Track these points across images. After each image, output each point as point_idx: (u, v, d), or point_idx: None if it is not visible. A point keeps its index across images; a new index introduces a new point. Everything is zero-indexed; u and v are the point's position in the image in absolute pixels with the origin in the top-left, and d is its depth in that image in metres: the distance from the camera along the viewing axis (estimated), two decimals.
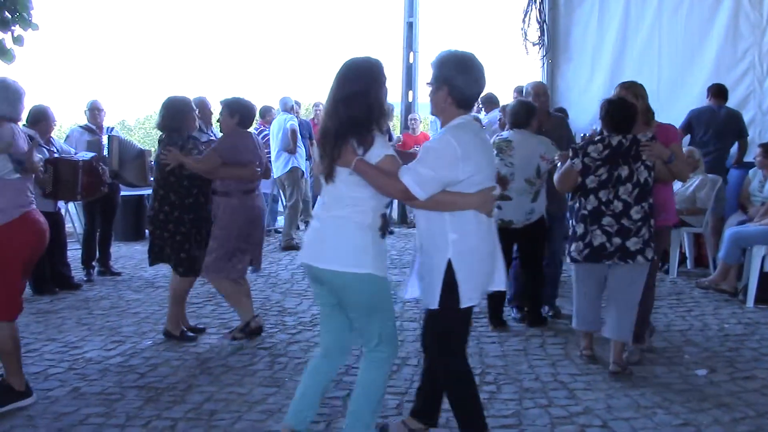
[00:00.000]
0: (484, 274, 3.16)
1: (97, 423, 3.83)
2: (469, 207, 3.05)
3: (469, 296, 3.10)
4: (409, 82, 11.86)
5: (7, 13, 4.92)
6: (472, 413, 3.27)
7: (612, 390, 4.23)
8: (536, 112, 5.45)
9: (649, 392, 4.20)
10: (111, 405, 4.08)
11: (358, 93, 3.05)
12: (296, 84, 66.83)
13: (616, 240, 4.30)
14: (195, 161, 5.01)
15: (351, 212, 3.08)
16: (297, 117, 10.36)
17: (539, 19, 10.47)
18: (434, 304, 3.13)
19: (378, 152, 3.03)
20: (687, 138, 7.74)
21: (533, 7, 10.48)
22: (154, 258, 5.26)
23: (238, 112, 5.16)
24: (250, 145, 5.22)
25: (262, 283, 7.07)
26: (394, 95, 12.19)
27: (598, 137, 4.40)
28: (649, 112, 4.72)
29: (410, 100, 11.91)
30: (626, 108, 4.39)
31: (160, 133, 5.33)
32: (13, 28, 4.96)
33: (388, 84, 3.17)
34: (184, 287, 5.33)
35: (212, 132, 7.97)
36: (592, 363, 4.65)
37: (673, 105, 8.30)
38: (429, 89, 3.20)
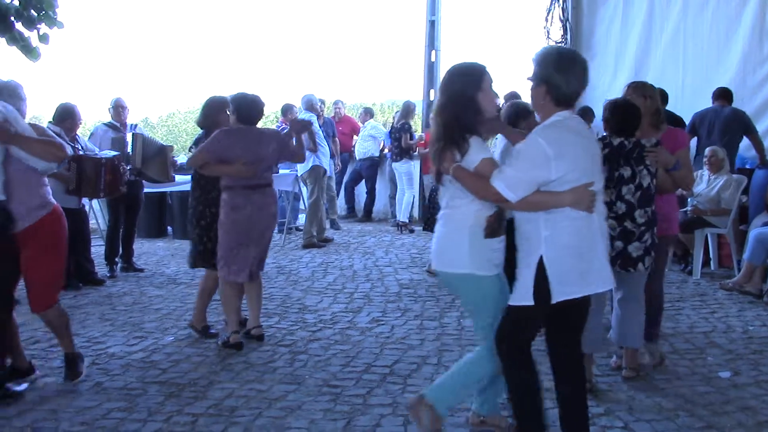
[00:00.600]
0: (577, 272, 3.07)
1: (119, 417, 3.87)
2: (562, 205, 3.00)
3: (561, 290, 3.05)
4: (431, 81, 11.84)
5: (33, 11, 4.97)
6: (532, 413, 3.24)
7: (634, 391, 4.20)
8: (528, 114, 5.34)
9: (671, 394, 4.16)
10: (133, 400, 4.11)
11: (455, 98, 3.18)
12: (320, 82, 66.94)
13: (618, 243, 4.09)
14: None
15: (454, 214, 3.25)
16: (321, 115, 10.38)
17: (562, 18, 10.43)
18: (527, 300, 3.09)
19: (475, 157, 3.11)
20: (693, 141, 7.67)
21: (556, 5, 10.43)
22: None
23: (237, 107, 5.11)
24: (241, 142, 5.03)
25: (282, 281, 7.09)
26: (415, 93, 12.21)
27: (600, 136, 4.26)
28: (659, 115, 4.48)
29: (432, 98, 11.89)
30: (629, 110, 4.20)
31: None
32: (38, 26, 5.01)
33: (490, 87, 3.23)
34: (208, 283, 5.37)
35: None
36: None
37: (697, 106, 8.21)
38: (530, 85, 3.17)
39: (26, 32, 5.00)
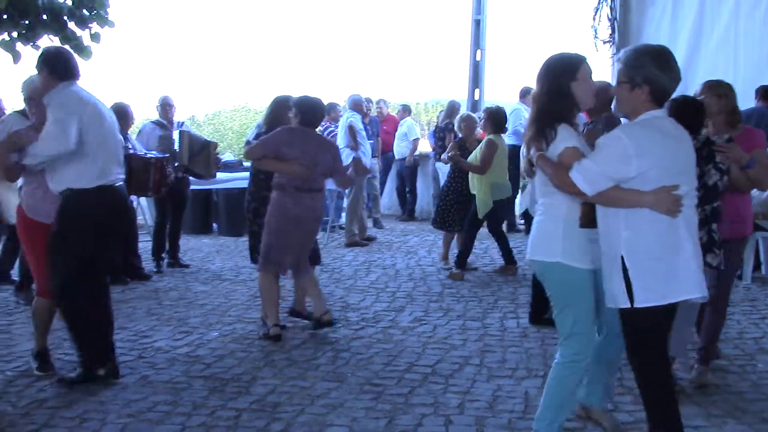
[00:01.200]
0: (659, 276, 2.99)
1: (165, 411, 3.92)
2: (642, 205, 2.95)
3: (644, 296, 2.98)
4: (475, 80, 11.78)
5: (85, 11, 5.07)
6: (667, 416, 3.17)
7: (681, 397, 4.11)
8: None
9: (719, 401, 4.07)
10: (178, 394, 4.17)
11: (547, 88, 3.18)
12: (364, 81, 67.09)
13: None
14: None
15: (546, 204, 3.24)
16: (368, 114, 10.38)
17: (610, 17, 10.25)
18: (624, 303, 3.04)
19: (559, 145, 3.09)
20: None
21: (604, 4, 10.27)
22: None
23: (301, 109, 5.14)
24: (301, 143, 5.06)
25: (326, 279, 7.13)
26: (460, 93, 12.16)
27: None
28: (735, 114, 4.36)
29: (476, 98, 11.83)
30: (690, 107, 4.04)
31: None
32: (90, 25, 5.11)
33: (586, 78, 3.19)
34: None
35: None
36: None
37: (749, 105, 8.02)
38: (623, 88, 3.07)
39: (78, 31, 5.10)
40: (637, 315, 3.03)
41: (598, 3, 10.29)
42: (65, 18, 5.04)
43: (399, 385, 4.28)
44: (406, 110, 12.47)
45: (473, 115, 8.35)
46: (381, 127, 11.32)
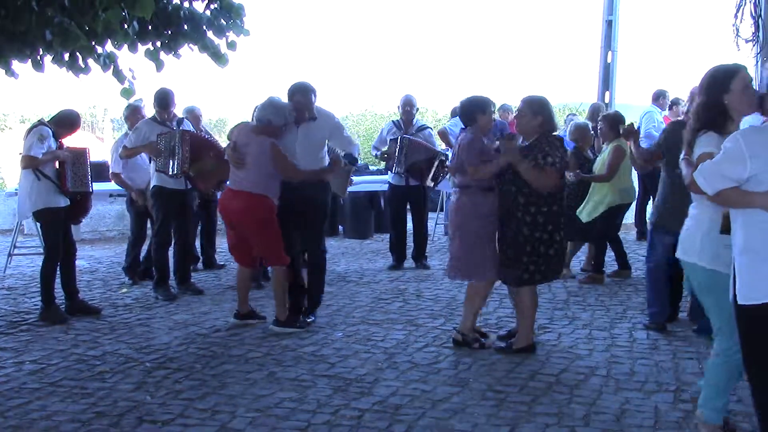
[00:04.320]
0: (764, 276, 2.95)
1: (290, 407, 4.04)
2: (752, 205, 2.94)
3: (746, 294, 2.95)
4: (606, 83, 11.45)
5: (222, 20, 5.28)
6: None
7: None
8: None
9: None
10: (303, 391, 4.28)
11: (701, 100, 3.43)
12: (489, 84, 66.67)
13: None
14: None
15: (698, 206, 3.47)
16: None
17: (754, 14, 9.69)
18: (737, 300, 3.05)
19: (698, 150, 3.35)
20: None
21: (747, 1, 9.73)
22: None
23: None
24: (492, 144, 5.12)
25: (449, 283, 7.11)
26: (590, 96, 11.84)
27: None
28: None
29: (606, 101, 11.49)
30: None
31: None
32: (227, 34, 5.31)
33: (742, 88, 3.36)
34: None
35: None
36: None
37: None
38: None
39: (216, 40, 5.32)
40: (746, 314, 2.99)
41: (741, 0, 9.75)
42: (204, 27, 5.26)
43: (522, 393, 4.21)
44: (506, 111, 12.23)
45: (588, 123, 8.09)
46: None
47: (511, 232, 4.85)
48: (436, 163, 7.80)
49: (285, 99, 5.60)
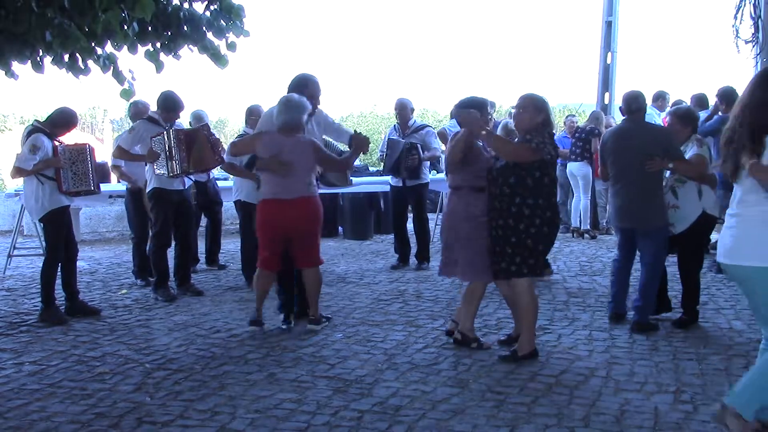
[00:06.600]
0: None
1: (290, 408, 4.03)
2: None
3: None
4: (605, 84, 11.48)
5: (222, 21, 5.28)
6: None
7: None
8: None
9: None
10: (303, 392, 4.28)
11: (754, 102, 3.32)
12: (489, 86, 66.78)
13: None
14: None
15: (751, 210, 3.35)
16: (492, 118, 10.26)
17: (753, 15, 9.71)
18: None
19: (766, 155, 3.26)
20: None
21: (747, 2, 9.74)
22: None
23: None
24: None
25: (448, 284, 7.11)
26: (589, 97, 11.86)
27: None
28: None
29: (606, 102, 11.51)
30: None
31: None
32: (227, 35, 5.31)
33: None
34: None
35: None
36: None
37: None
38: None
39: (216, 41, 5.31)
40: None
41: (740, 1, 9.77)
42: (204, 28, 5.26)
43: (521, 394, 4.21)
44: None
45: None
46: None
47: (495, 223, 4.82)
48: (402, 151, 7.88)
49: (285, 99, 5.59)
